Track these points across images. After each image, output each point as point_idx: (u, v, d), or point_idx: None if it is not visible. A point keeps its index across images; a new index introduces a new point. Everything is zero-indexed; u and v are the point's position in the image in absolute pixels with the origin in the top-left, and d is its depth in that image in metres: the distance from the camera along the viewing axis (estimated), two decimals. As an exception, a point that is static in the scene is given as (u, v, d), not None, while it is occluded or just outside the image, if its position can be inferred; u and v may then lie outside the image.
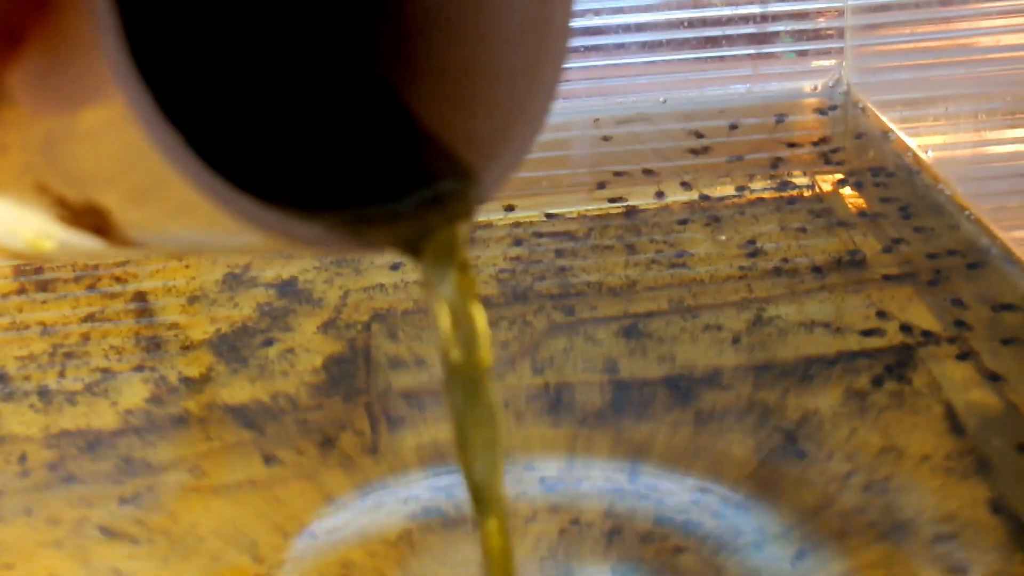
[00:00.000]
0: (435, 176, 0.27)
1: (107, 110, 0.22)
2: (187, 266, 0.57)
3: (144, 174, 0.22)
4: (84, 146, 0.23)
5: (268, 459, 0.44)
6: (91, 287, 0.56)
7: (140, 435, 0.46)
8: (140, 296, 0.55)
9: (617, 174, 0.64)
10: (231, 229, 0.23)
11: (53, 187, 0.25)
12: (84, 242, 0.26)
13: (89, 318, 0.53)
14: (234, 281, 0.55)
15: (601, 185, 0.63)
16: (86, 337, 0.52)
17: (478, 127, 0.28)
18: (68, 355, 0.51)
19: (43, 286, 0.56)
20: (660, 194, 0.61)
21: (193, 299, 0.55)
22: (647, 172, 0.64)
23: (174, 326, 0.53)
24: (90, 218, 0.27)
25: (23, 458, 0.45)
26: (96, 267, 0.57)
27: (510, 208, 0.60)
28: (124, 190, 0.24)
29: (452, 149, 0.27)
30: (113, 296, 0.55)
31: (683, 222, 0.59)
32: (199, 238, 0.25)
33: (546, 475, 0.43)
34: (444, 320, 0.25)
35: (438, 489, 0.42)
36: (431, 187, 0.26)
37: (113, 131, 0.22)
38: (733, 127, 0.68)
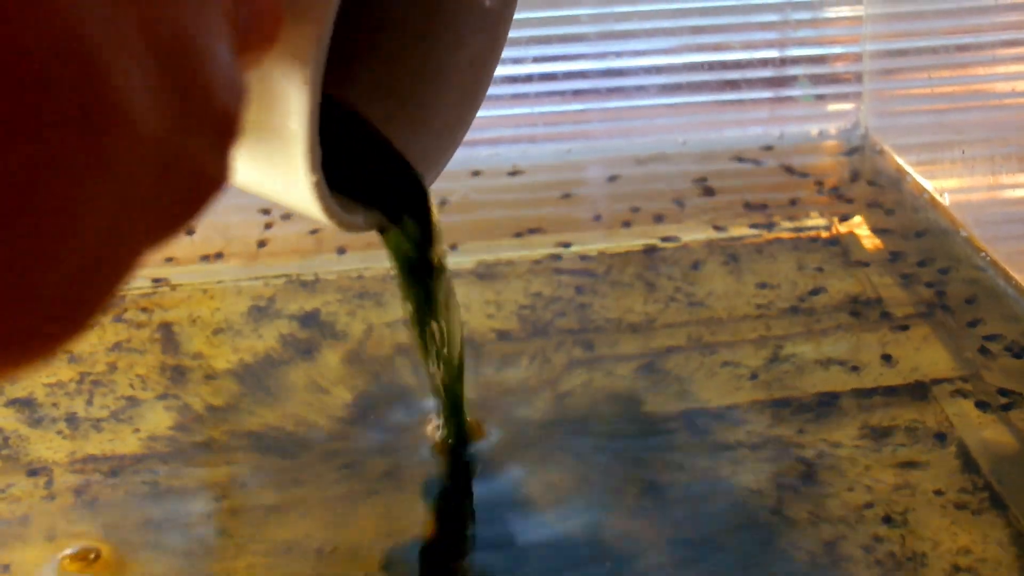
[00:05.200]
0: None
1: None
2: (212, 297, 0.58)
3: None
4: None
5: (292, 485, 0.45)
6: (118, 317, 0.57)
7: (164, 461, 0.47)
8: (166, 326, 0.56)
9: (636, 212, 0.64)
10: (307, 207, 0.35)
11: None
12: None
13: (116, 347, 0.54)
14: (258, 313, 0.56)
15: (620, 223, 0.64)
16: (113, 366, 0.53)
17: (425, 145, 0.41)
18: (95, 383, 0.52)
19: (71, 315, 0.57)
20: (679, 233, 0.62)
21: (218, 330, 0.55)
22: (666, 211, 0.65)
23: (199, 356, 0.54)
24: None
25: (49, 483, 0.46)
26: (123, 297, 0.58)
27: (530, 245, 0.61)
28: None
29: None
30: (140, 326, 0.56)
31: (701, 261, 0.59)
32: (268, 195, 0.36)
33: (567, 505, 0.43)
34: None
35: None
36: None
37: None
38: (751, 168, 0.69)
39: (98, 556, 0.41)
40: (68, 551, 0.42)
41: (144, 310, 0.57)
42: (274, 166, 0.33)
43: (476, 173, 0.70)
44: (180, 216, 0.21)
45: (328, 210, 0.34)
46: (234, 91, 0.21)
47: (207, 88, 0.20)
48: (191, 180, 0.21)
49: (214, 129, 0.21)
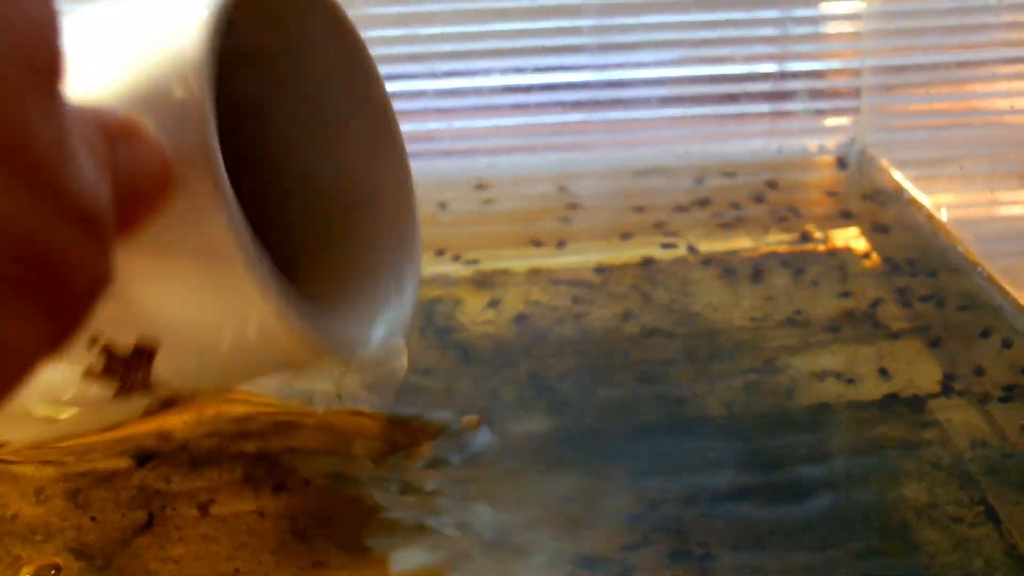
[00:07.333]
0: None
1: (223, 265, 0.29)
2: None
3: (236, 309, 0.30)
4: (181, 287, 0.28)
5: (277, 490, 0.45)
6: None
7: (154, 468, 0.47)
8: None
9: (634, 224, 0.65)
10: (278, 347, 0.32)
11: (104, 335, 0.31)
12: (99, 396, 0.32)
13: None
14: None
15: (618, 235, 0.64)
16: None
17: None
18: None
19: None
20: (676, 245, 0.62)
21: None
22: (664, 223, 0.65)
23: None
24: (125, 364, 0.32)
25: (40, 490, 0.46)
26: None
27: (528, 255, 0.61)
28: (195, 322, 0.30)
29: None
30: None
31: (698, 273, 0.59)
32: (231, 363, 0.34)
33: (560, 519, 0.43)
34: None
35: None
36: None
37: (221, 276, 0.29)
38: (750, 181, 0.69)
39: (58, 572, 0.41)
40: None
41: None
42: (221, 306, 0.30)
43: (475, 182, 0.70)
44: (65, 323, 0.20)
45: (295, 332, 0.31)
46: (98, 190, 0.21)
47: (66, 188, 0.20)
48: (66, 281, 0.20)
49: (82, 224, 0.20)
